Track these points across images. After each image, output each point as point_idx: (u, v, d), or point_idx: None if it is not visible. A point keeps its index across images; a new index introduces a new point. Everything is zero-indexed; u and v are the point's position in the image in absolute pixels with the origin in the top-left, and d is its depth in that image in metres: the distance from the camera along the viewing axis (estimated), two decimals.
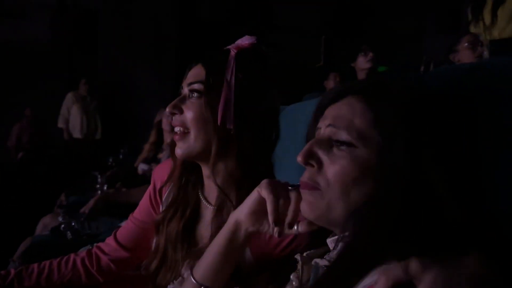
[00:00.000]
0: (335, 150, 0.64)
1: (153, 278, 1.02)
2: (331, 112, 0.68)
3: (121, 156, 4.77)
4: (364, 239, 0.59)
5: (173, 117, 0.94)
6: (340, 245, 0.64)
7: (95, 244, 1.19)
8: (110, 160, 4.08)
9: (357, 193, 0.62)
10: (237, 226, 0.78)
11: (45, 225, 2.37)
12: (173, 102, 0.94)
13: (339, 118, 0.65)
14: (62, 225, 1.90)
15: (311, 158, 0.65)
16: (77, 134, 6.10)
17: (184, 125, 0.93)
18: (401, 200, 0.57)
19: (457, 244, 0.54)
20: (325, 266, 0.66)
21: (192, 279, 0.81)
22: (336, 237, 0.67)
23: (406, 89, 0.65)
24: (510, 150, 0.67)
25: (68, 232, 1.86)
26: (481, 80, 0.72)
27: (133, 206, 2.14)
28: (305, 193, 0.67)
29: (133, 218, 1.16)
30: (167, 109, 0.93)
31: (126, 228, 1.16)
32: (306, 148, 0.66)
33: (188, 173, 1.02)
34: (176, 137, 0.94)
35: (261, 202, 0.74)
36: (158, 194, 1.11)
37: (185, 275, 0.87)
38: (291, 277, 0.71)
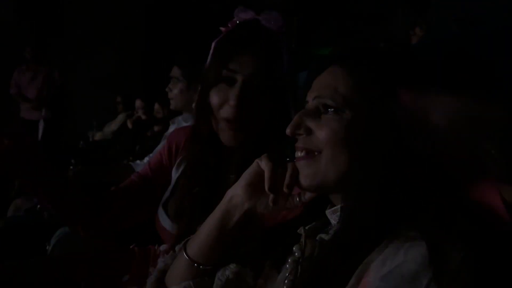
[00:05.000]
0: (323, 117, 0.67)
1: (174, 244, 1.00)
2: (316, 83, 0.71)
3: (90, 139, 4.71)
4: (360, 204, 0.62)
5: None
6: (341, 215, 0.66)
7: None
8: (81, 143, 4.03)
9: (347, 156, 0.64)
10: (232, 202, 0.77)
11: (17, 206, 2.32)
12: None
13: (324, 87, 0.68)
14: (39, 205, 1.85)
15: (298, 128, 0.68)
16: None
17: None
18: (384, 161, 0.62)
19: (444, 203, 0.57)
20: (330, 239, 0.67)
21: (185, 255, 0.80)
22: (335, 207, 0.70)
23: (385, 52, 0.70)
24: None
25: (45, 212, 1.81)
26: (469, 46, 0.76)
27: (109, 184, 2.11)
28: (299, 164, 0.69)
29: (140, 176, 1.18)
30: None
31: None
32: (294, 119, 0.69)
33: (210, 147, 1.02)
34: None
35: (260, 173, 0.74)
36: (174, 157, 1.12)
37: (177, 249, 0.87)
38: (294, 248, 0.72)
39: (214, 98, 0.95)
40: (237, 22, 0.99)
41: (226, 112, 0.94)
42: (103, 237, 1.17)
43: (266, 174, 0.73)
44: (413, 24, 3.60)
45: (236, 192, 0.77)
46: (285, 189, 0.71)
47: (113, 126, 4.64)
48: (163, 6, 6.49)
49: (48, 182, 1.06)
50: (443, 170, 0.61)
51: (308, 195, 0.74)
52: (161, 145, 2.14)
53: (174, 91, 2.01)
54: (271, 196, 0.73)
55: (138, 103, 4.07)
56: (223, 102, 0.94)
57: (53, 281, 1.16)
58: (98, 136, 4.71)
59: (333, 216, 0.70)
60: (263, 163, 0.74)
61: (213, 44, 1.01)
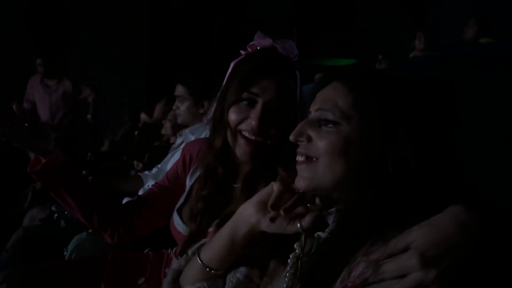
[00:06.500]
0: (323, 128, 0.74)
1: (183, 246, 1.11)
2: (319, 97, 0.79)
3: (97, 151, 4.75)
4: (352, 208, 0.70)
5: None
6: (335, 216, 0.75)
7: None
8: (89, 155, 4.07)
9: (342, 165, 0.72)
10: (241, 216, 0.83)
11: (32, 217, 2.38)
12: None
13: (326, 101, 0.76)
14: (56, 214, 1.93)
15: (301, 136, 0.76)
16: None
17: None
18: (375, 170, 0.69)
19: (433, 202, 0.64)
20: (326, 237, 0.75)
21: (199, 260, 0.88)
22: (331, 209, 0.78)
23: (381, 74, 0.79)
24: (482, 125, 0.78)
25: (62, 220, 1.90)
26: (457, 66, 0.84)
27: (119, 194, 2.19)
28: (299, 167, 0.77)
29: (159, 185, 1.30)
30: None
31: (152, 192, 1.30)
32: (297, 127, 0.77)
33: (221, 159, 1.11)
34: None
35: (271, 194, 0.80)
36: (188, 167, 1.24)
37: (189, 253, 0.94)
38: (295, 246, 0.80)
39: (233, 116, 1.03)
40: (257, 47, 1.07)
41: (246, 126, 1.03)
42: (127, 242, 1.27)
43: (273, 194, 0.80)
44: (412, 35, 3.68)
45: (247, 207, 0.83)
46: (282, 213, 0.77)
47: (120, 137, 4.75)
48: (166, 18, 6.59)
49: (82, 193, 1.17)
50: (431, 179, 0.69)
51: (308, 221, 0.76)
52: (169, 156, 2.24)
53: (182, 108, 2.12)
54: (271, 213, 0.79)
55: (143, 116, 4.17)
56: (243, 118, 1.03)
57: (74, 284, 1.26)
58: (105, 147, 4.80)
59: (329, 217, 0.78)
60: (275, 185, 0.80)
61: (231, 65, 1.09)
